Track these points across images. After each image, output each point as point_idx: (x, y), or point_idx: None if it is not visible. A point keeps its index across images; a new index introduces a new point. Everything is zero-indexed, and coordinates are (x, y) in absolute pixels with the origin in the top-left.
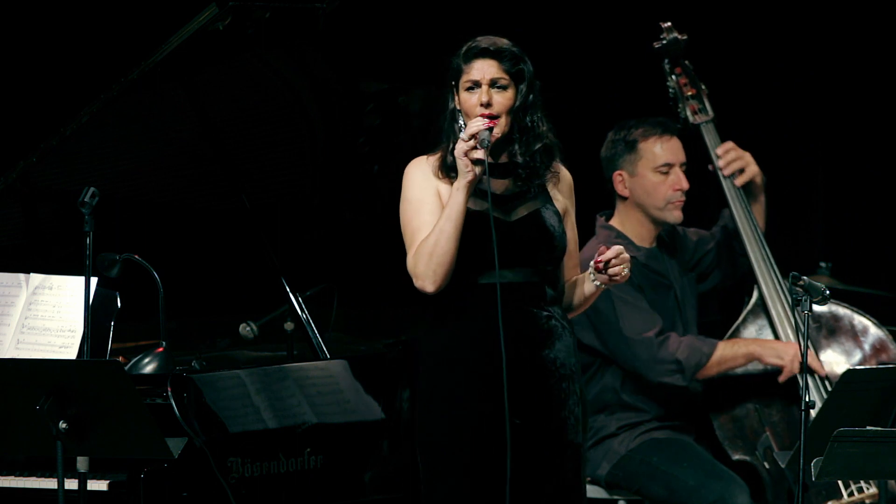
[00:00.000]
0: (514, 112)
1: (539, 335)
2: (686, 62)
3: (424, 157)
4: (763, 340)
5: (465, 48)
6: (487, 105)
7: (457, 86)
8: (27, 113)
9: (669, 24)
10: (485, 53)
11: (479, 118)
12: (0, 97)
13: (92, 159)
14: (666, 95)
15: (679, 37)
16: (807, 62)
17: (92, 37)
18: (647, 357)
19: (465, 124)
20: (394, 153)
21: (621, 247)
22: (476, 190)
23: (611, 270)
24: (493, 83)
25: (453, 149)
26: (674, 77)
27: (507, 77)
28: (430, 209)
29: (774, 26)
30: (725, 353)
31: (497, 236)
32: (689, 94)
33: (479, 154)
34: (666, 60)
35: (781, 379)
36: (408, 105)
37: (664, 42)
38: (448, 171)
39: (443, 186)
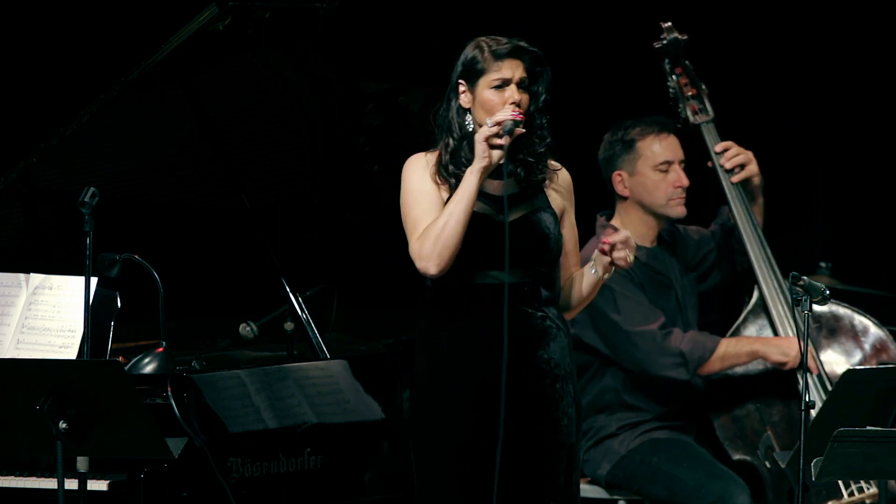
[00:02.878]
0: (529, 114)
1: (533, 335)
2: (686, 62)
3: (423, 153)
4: (766, 338)
5: (491, 47)
6: (517, 105)
7: (473, 84)
8: (27, 113)
9: (670, 24)
10: (514, 53)
11: (508, 109)
12: (0, 97)
13: (92, 159)
14: (666, 95)
15: (679, 37)
16: (807, 62)
17: (92, 37)
18: (649, 349)
19: (474, 123)
20: (394, 153)
21: (629, 233)
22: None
23: (615, 254)
24: (520, 83)
25: (454, 148)
26: (674, 77)
27: (529, 79)
28: (429, 198)
29: (774, 26)
30: (729, 349)
31: (493, 236)
32: (690, 94)
33: (501, 140)
34: (666, 60)
35: (785, 368)
36: (408, 105)
37: (664, 42)
38: (445, 173)
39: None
